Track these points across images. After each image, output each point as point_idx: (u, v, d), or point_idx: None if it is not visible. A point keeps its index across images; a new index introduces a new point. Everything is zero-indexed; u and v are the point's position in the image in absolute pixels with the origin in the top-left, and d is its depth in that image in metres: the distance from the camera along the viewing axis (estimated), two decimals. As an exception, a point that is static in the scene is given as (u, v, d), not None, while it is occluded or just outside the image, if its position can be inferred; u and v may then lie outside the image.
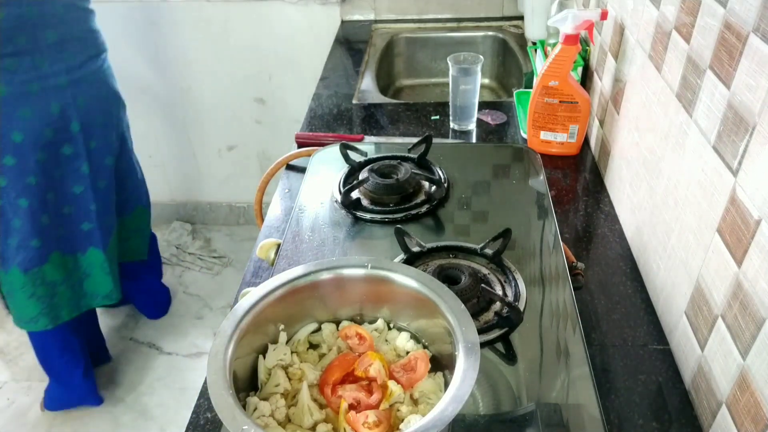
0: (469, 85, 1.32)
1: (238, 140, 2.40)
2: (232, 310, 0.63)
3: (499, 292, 0.78)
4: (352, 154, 1.05)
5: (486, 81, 1.89)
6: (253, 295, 0.65)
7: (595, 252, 1.02)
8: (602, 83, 1.21)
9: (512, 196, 0.98)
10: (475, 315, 0.74)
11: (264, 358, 0.66)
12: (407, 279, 0.67)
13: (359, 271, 0.68)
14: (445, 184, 0.98)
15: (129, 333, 2.20)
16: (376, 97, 1.57)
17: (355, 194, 0.96)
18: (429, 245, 0.84)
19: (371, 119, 1.47)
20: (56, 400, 1.91)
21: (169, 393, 2.00)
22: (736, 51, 0.66)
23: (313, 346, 0.70)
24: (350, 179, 1.01)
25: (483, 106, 1.46)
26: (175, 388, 2.01)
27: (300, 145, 1.34)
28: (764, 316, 0.60)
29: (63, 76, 1.44)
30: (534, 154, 1.06)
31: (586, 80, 1.32)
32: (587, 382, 0.67)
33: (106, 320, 2.24)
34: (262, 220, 1.17)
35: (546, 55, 1.31)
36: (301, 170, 1.24)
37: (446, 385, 0.62)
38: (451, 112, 1.39)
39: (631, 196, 1.02)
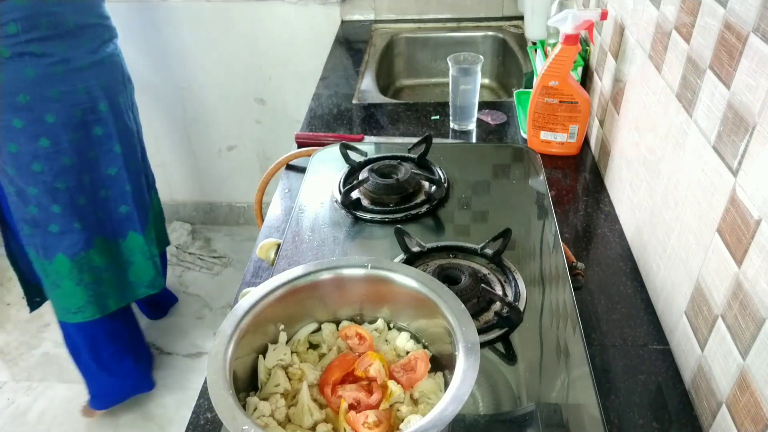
0: (469, 85, 1.32)
1: (238, 140, 2.40)
2: (232, 310, 0.63)
3: (499, 292, 0.78)
4: (352, 154, 1.05)
5: (486, 81, 1.89)
6: (253, 295, 0.65)
7: (595, 252, 1.02)
8: (602, 83, 1.21)
9: (512, 196, 0.98)
10: (475, 315, 0.74)
11: (264, 358, 0.66)
12: (407, 279, 0.67)
13: (359, 271, 0.68)
14: (445, 184, 0.98)
15: (129, 333, 2.20)
16: (376, 97, 1.57)
17: (355, 194, 0.96)
18: (429, 245, 0.84)
19: (371, 119, 1.47)
20: (107, 395, 1.89)
21: (169, 393, 2.00)
22: (736, 51, 0.66)
23: (313, 346, 0.70)
24: (350, 179, 1.01)
25: (483, 106, 1.46)
26: (175, 388, 2.01)
27: (300, 145, 1.34)
28: (764, 316, 0.60)
29: (84, 59, 1.47)
30: (534, 154, 1.06)
31: (586, 80, 1.32)
32: (587, 382, 0.67)
33: (106, 320, 2.24)
34: (262, 220, 1.17)
35: (546, 55, 1.31)
36: (301, 170, 1.24)
37: (446, 385, 0.62)
38: (451, 112, 1.39)
39: (631, 196, 1.03)
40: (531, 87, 1.41)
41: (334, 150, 1.06)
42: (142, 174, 1.75)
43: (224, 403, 0.53)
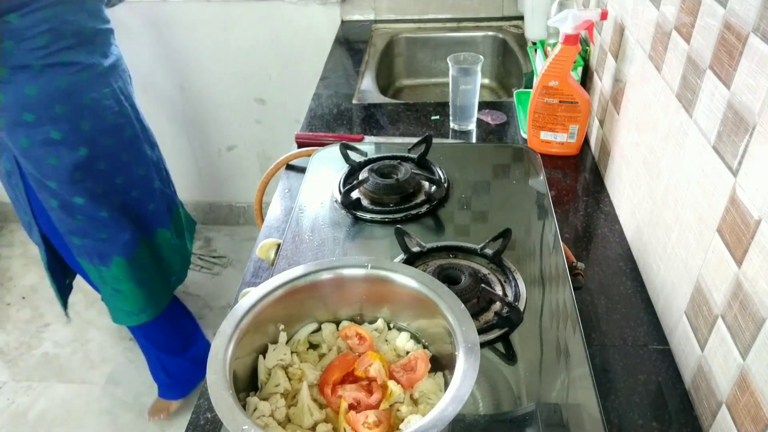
0: (469, 85, 1.32)
1: (238, 140, 2.40)
2: (232, 310, 0.63)
3: (499, 292, 0.78)
4: (352, 154, 1.05)
5: (486, 81, 1.89)
6: (253, 295, 0.65)
7: (595, 252, 1.02)
8: (602, 83, 1.21)
9: (512, 196, 0.98)
10: (475, 315, 0.74)
11: (264, 358, 0.66)
12: (407, 279, 0.67)
13: (359, 271, 0.68)
14: (445, 184, 0.98)
15: (129, 333, 2.20)
16: (376, 97, 1.57)
17: (355, 194, 0.96)
18: (429, 245, 0.84)
19: (371, 119, 1.47)
20: (180, 384, 1.93)
21: (169, 393, 1.99)
22: (736, 51, 0.66)
23: (313, 346, 0.70)
24: (350, 179, 1.01)
25: (483, 106, 1.46)
26: (175, 388, 2.01)
27: (300, 145, 1.34)
28: (764, 316, 0.60)
29: (103, 64, 1.49)
30: (534, 154, 1.06)
31: (586, 80, 1.32)
32: (587, 382, 0.67)
33: (106, 320, 2.24)
34: (262, 220, 1.17)
35: (546, 55, 1.31)
36: (301, 170, 1.24)
37: (446, 385, 0.62)
38: (451, 112, 1.39)
39: (631, 196, 1.03)
40: (531, 87, 1.41)
41: (334, 150, 1.06)
42: (162, 168, 1.77)
43: (224, 403, 0.53)
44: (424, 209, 0.94)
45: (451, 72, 1.32)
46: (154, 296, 1.73)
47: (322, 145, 1.21)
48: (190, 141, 2.41)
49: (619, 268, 0.98)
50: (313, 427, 0.61)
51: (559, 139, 1.25)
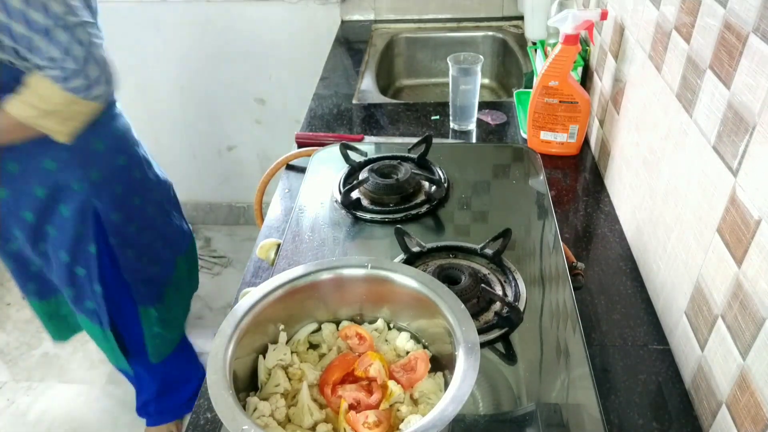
0: (469, 85, 1.32)
1: (238, 140, 2.40)
2: (232, 310, 0.63)
3: (499, 292, 0.78)
4: (352, 154, 1.05)
5: (486, 81, 1.89)
6: (253, 295, 0.65)
7: (595, 252, 1.02)
8: (602, 83, 1.21)
9: (512, 196, 0.98)
10: (475, 315, 0.74)
11: (264, 358, 0.66)
12: (407, 279, 0.67)
13: (359, 271, 0.68)
14: (445, 184, 0.98)
15: (129, 333, 2.20)
16: (376, 97, 1.57)
17: (355, 194, 0.96)
18: (429, 245, 0.84)
19: (371, 119, 1.47)
20: (170, 411, 1.89)
21: (169, 393, 1.99)
22: (736, 51, 0.66)
23: (313, 346, 0.70)
24: (350, 179, 1.01)
25: (483, 106, 1.46)
26: (175, 388, 2.01)
27: (300, 145, 1.34)
28: (764, 316, 0.60)
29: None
30: (534, 154, 1.06)
31: (586, 80, 1.32)
32: (587, 382, 0.67)
33: (106, 320, 2.24)
34: (262, 220, 1.17)
35: (546, 55, 1.31)
36: (301, 170, 1.24)
37: (446, 385, 0.62)
38: (451, 112, 1.39)
39: (631, 196, 1.02)
40: (531, 87, 1.41)
41: (334, 150, 1.06)
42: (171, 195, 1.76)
43: (224, 403, 0.53)
44: (424, 209, 0.94)
45: (451, 72, 1.32)
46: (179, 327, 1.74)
47: (322, 145, 1.21)
48: (190, 141, 2.41)
49: (619, 268, 0.98)
50: (313, 427, 0.61)
51: (559, 139, 1.25)
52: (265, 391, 0.64)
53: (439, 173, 1.01)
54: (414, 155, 1.04)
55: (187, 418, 0.78)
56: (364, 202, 0.96)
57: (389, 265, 0.68)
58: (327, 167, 1.06)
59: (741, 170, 0.65)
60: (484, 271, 0.81)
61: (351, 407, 0.61)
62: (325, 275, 0.68)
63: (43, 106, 1.14)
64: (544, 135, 1.25)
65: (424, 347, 0.68)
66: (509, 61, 1.82)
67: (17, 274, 1.51)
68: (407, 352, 0.68)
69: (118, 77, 1.22)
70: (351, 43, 1.90)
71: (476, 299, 0.75)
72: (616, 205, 1.11)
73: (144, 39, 2.15)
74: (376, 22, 2.00)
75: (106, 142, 1.33)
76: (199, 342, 2.16)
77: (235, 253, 2.55)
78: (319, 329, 0.71)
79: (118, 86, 1.24)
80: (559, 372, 0.69)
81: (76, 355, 2.14)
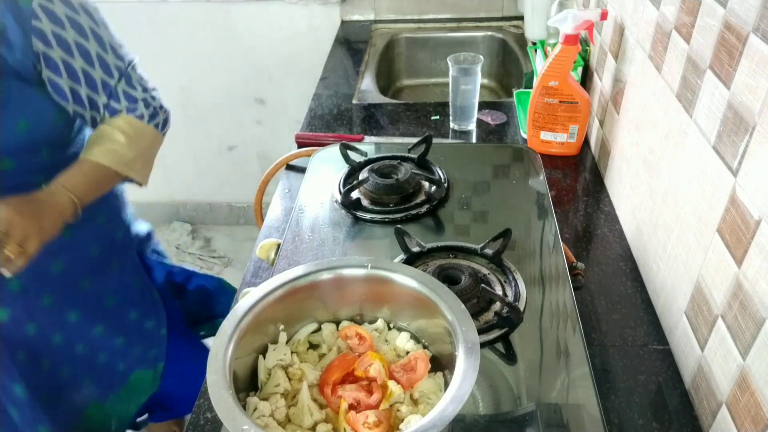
0: (469, 85, 1.32)
1: (238, 140, 2.40)
2: (232, 310, 0.63)
3: (499, 292, 0.78)
4: (352, 154, 1.05)
5: (486, 81, 1.89)
6: (253, 295, 0.65)
7: (595, 252, 1.02)
8: (602, 83, 1.21)
9: (512, 196, 0.98)
10: (475, 315, 0.74)
11: (264, 358, 0.66)
12: (407, 279, 0.67)
13: (359, 271, 0.68)
14: (445, 184, 0.98)
15: (129, 333, 2.20)
16: (376, 97, 1.57)
17: (355, 194, 0.96)
18: (429, 245, 0.84)
19: (371, 119, 1.47)
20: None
21: (169, 393, 1.99)
22: (736, 51, 0.66)
23: (313, 346, 0.70)
24: (350, 179, 1.01)
25: (483, 106, 1.46)
26: (175, 388, 2.01)
27: (300, 145, 1.34)
28: (764, 316, 0.60)
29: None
30: (534, 154, 1.06)
31: (586, 80, 1.32)
32: (587, 382, 0.67)
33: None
34: (262, 220, 1.17)
35: (546, 55, 1.31)
36: (301, 170, 1.24)
37: (446, 385, 0.62)
38: (451, 112, 1.39)
39: (631, 196, 1.02)
40: (531, 87, 1.41)
41: (334, 150, 1.06)
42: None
43: (224, 403, 0.53)
44: (424, 209, 0.94)
45: (451, 72, 1.32)
46: None
47: (322, 145, 1.21)
48: (190, 141, 2.41)
49: (619, 268, 0.98)
50: (313, 427, 0.61)
51: (559, 139, 1.25)
52: (265, 391, 0.64)
53: (439, 173, 1.01)
54: (414, 155, 1.04)
55: (188, 418, 0.78)
56: (364, 202, 0.96)
57: (389, 265, 0.68)
58: (327, 167, 1.06)
59: (741, 170, 0.65)
60: (484, 271, 0.81)
61: (351, 407, 0.61)
62: (325, 275, 0.68)
63: (136, 147, 1.07)
64: (544, 135, 1.25)
65: (424, 347, 0.68)
66: (509, 61, 1.82)
67: None
68: (407, 352, 0.68)
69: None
70: (351, 43, 1.90)
71: (476, 299, 0.75)
72: (616, 205, 1.11)
73: (144, 39, 2.15)
74: (376, 22, 2.00)
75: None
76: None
77: (235, 253, 2.55)
78: (319, 329, 0.71)
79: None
80: (559, 372, 0.69)
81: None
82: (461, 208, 0.96)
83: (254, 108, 2.29)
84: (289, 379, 0.65)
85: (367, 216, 0.93)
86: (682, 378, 0.80)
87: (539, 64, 1.37)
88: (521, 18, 1.84)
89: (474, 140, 1.37)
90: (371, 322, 0.71)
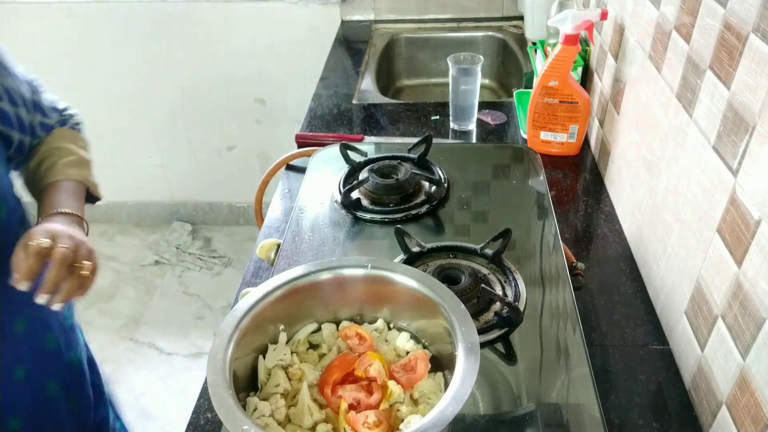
0: (469, 85, 1.32)
1: (238, 140, 2.40)
2: (232, 310, 0.63)
3: (499, 292, 0.78)
4: (352, 154, 1.05)
5: (486, 81, 1.89)
6: (253, 295, 0.65)
7: (595, 252, 1.02)
8: (602, 83, 1.21)
9: (512, 196, 0.98)
10: (475, 315, 0.74)
11: (264, 358, 0.66)
12: (407, 279, 0.67)
13: (359, 271, 0.68)
14: (445, 184, 0.98)
15: (129, 333, 2.20)
16: (376, 97, 1.57)
17: (355, 194, 0.96)
18: (429, 245, 0.84)
19: (371, 119, 1.47)
20: None
21: (169, 393, 2.00)
22: (736, 51, 0.66)
23: (313, 346, 0.70)
24: (350, 179, 1.01)
25: (483, 106, 1.46)
26: (175, 388, 2.01)
27: (300, 145, 1.34)
28: (764, 316, 0.60)
29: None
30: (534, 154, 1.06)
31: (586, 80, 1.32)
32: (587, 382, 0.67)
33: (106, 320, 2.24)
34: (262, 220, 1.17)
35: (546, 55, 1.31)
36: (301, 170, 1.24)
37: (446, 385, 0.62)
38: (451, 112, 1.39)
39: (631, 196, 1.02)
40: (531, 87, 1.41)
41: (334, 150, 1.06)
42: None
43: (224, 403, 0.53)
44: (424, 209, 0.94)
45: (451, 72, 1.32)
46: None
47: (322, 145, 1.21)
48: (190, 141, 2.41)
49: (619, 268, 0.98)
50: (313, 427, 0.61)
51: (559, 139, 1.25)
52: (265, 391, 0.64)
53: (439, 173, 1.01)
54: (414, 155, 1.04)
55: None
56: (364, 202, 0.96)
57: (389, 265, 0.68)
58: (327, 167, 1.06)
59: (741, 170, 0.65)
60: (484, 271, 0.81)
61: (351, 407, 0.61)
62: (325, 275, 0.68)
63: (88, 157, 0.98)
64: (544, 135, 1.25)
65: (424, 347, 0.68)
66: (509, 61, 1.82)
67: None
68: (407, 352, 0.68)
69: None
70: (351, 43, 1.90)
71: (476, 299, 0.75)
72: (616, 205, 1.11)
73: (144, 39, 2.15)
74: (376, 22, 2.00)
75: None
76: (199, 342, 2.17)
77: (235, 253, 2.55)
78: (319, 329, 0.71)
79: None
80: (559, 372, 0.69)
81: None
82: (461, 208, 0.96)
83: (254, 108, 2.29)
84: (289, 379, 0.65)
85: (367, 216, 0.93)
86: (682, 378, 0.80)
87: (539, 64, 1.37)
88: (521, 18, 1.84)
89: (474, 140, 1.37)
90: (371, 322, 0.71)
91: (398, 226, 0.86)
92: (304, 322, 0.70)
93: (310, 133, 1.37)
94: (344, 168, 1.03)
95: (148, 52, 2.19)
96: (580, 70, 1.31)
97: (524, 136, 1.32)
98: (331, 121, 1.47)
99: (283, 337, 0.68)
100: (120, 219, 2.68)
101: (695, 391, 0.77)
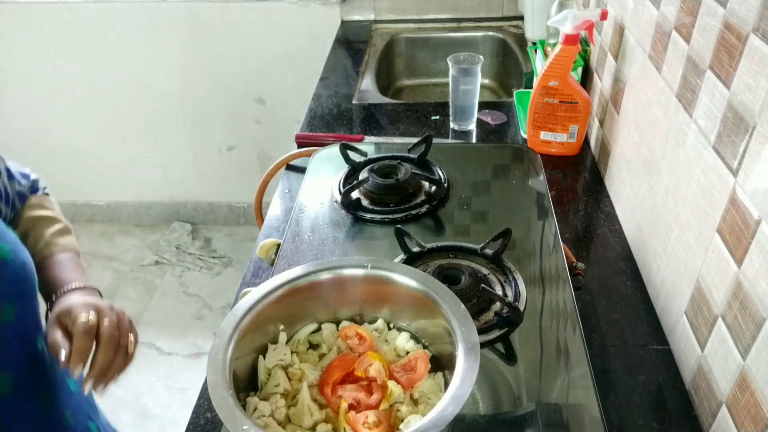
0: (469, 85, 1.32)
1: (238, 140, 2.40)
2: (232, 310, 0.63)
3: (499, 292, 0.78)
4: (352, 154, 1.05)
5: (486, 81, 1.89)
6: (253, 295, 0.65)
7: (595, 252, 1.02)
8: (602, 83, 1.21)
9: (512, 196, 0.98)
10: (475, 315, 0.74)
11: (264, 358, 0.66)
12: (407, 279, 0.67)
13: (359, 271, 0.68)
14: (445, 184, 0.98)
15: (129, 333, 2.20)
16: (376, 97, 1.57)
17: (355, 194, 0.96)
18: (429, 245, 0.84)
19: (371, 119, 1.47)
20: None
21: (169, 393, 1.99)
22: (736, 51, 0.66)
23: (313, 346, 0.70)
24: (350, 179, 1.01)
25: (483, 106, 1.46)
26: (175, 388, 2.01)
27: (300, 145, 1.34)
28: (764, 316, 0.60)
29: None
30: (534, 154, 1.06)
31: (586, 80, 1.32)
32: (587, 382, 0.67)
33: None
34: (262, 220, 1.17)
35: (546, 55, 1.31)
36: (301, 170, 1.24)
37: (446, 385, 0.62)
38: (451, 112, 1.39)
39: (631, 196, 1.02)
40: (531, 87, 1.41)
41: (334, 150, 1.06)
42: None
43: (224, 403, 0.53)
44: (424, 209, 0.94)
45: (451, 72, 1.32)
46: None
47: (322, 145, 1.21)
48: (190, 141, 2.41)
49: (619, 268, 0.98)
50: (313, 427, 0.61)
51: (559, 139, 1.25)
52: (265, 391, 0.64)
53: (439, 173, 1.01)
54: (414, 155, 1.04)
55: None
56: (364, 202, 0.96)
57: (389, 265, 0.68)
58: (327, 167, 1.06)
59: (741, 170, 0.65)
60: (484, 271, 0.81)
61: (351, 407, 0.61)
62: (325, 275, 0.68)
63: (67, 222, 0.92)
64: (544, 135, 1.25)
65: (424, 347, 0.68)
66: (509, 61, 1.82)
67: None
68: (407, 352, 0.68)
69: None
70: (351, 43, 1.90)
71: (476, 299, 0.75)
72: (616, 205, 1.11)
73: (144, 39, 2.15)
74: (376, 22, 2.00)
75: None
76: (199, 342, 2.17)
77: (235, 253, 2.55)
78: (319, 329, 0.71)
79: None
80: (559, 372, 0.69)
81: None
82: (461, 208, 0.96)
83: (254, 108, 2.29)
84: (289, 379, 0.65)
85: (367, 216, 0.93)
86: (682, 378, 0.80)
87: (539, 64, 1.37)
88: (521, 18, 1.84)
89: (474, 140, 1.37)
90: (371, 322, 0.71)
91: (398, 226, 0.86)
92: (304, 322, 0.70)
93: (310, 133, 1.37)
94: (344, 168, 1.03)
95: (148, 52, 2.19)
96: (580, 70, 1.31)
97: (524, 136, 1.32)
98: (331, 121, 1.47)
99: (283, 337, 0.68)
100: (120, 219, 2.68)
101: (695, 391, 0.77)
